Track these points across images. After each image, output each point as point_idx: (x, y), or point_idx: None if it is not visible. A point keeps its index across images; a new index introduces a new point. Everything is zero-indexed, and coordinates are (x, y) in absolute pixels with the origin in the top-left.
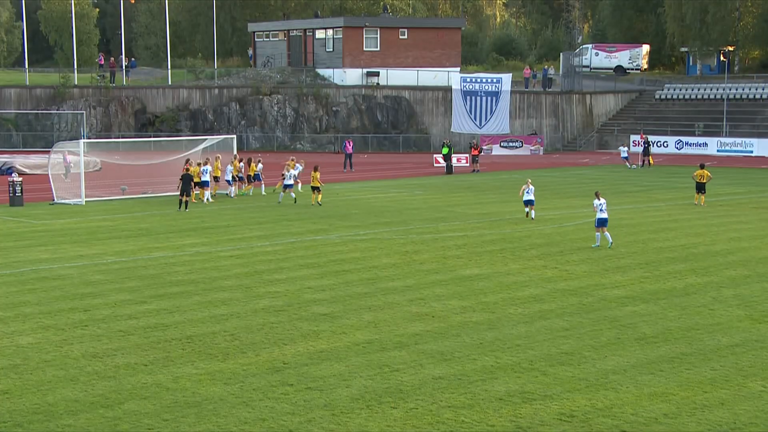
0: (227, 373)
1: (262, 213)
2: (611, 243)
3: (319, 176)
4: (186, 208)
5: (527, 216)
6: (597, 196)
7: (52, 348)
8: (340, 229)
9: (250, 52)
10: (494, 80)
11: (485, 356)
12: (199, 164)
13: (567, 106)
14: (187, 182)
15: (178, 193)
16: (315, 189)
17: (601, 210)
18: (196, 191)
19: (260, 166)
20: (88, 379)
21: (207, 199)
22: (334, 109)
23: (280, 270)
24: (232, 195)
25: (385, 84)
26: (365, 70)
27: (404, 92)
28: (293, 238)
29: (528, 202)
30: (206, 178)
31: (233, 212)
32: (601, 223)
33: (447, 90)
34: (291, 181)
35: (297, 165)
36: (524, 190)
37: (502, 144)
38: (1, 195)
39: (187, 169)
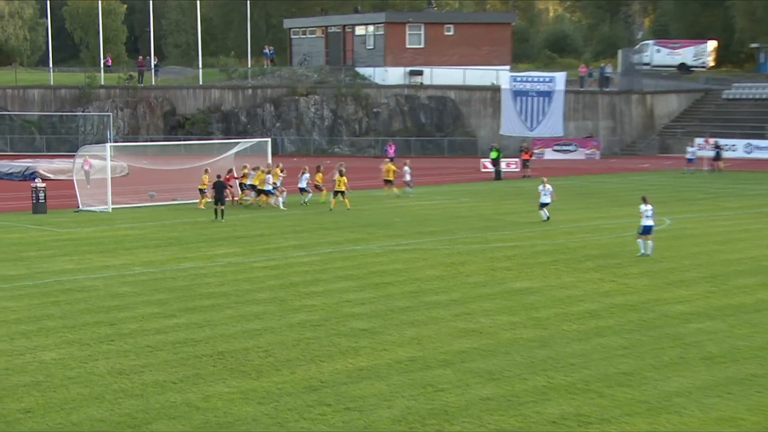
0: (261, 391)
1: (298, 221)
2: (650, 252)
3: (346, 180)
4: (222, 218)
5: (546, 219)
6: (644, 201)
7: (77, 364)
8: (381, 238)
9: (267, 50)
10: (547, 79)
11: (537, 376)
12: (254, 170)
13: (626, 107)
14: (221, 190)
15: (212, 201)
16: (339, 194)
17: (646, 216)
18: (247, 197)
19: (306, 175)
20: (114, 398)
21: (277, 204)
22: (374, 110)
23: (317, 282)
24: (282, 205)
25: (430, 83)
26: (408, 69)
27: (450, 92)
28: (331, 248)
29: (543, 204)
30: (268, 186)
31: (268, 220)
32: (646, 230)
33: (496, 90)
34: (304, 184)
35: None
36: (541, 192)
37: (555, 148)
38: (24, 201)
39: (219, 176)
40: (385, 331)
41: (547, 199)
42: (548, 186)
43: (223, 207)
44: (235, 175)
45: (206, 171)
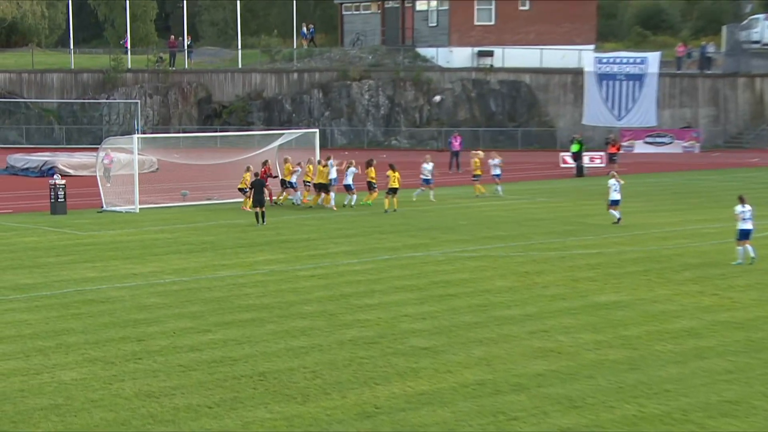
0: (307, 418)
1: (350, 224)
2: (755, 258)
3: (399, 176)
4: (263, 221)
5: (617, 221)
6: (741, 201)
7: (100, 385)
8: (444, 243)
9: (304, 29)
10: (638, 60)
11: (626, 404)
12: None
13: (730, 92)
14: (260, 189)
15: (251, 203)
16: (392, 192)
17: (744, 219)
18: (292, 196)
19: (352, 169)
20: (142, 424)
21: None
22: (437, 98)
23: (372, 293)
24: (297, 202)
25: (501, 66)
26: (476, 50)
27: (524, 76)
28: (387, 254)
29: (614, 203)
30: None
31: (315, 223)
32: (743, 234)
33: (578, 73)
34: (350, 180)
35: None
36: (612, 187)
37: (647, 140)
38: (41, 200)
39: (257, 174)
40: (450, 350)
41: (617, 196)
42: (620, 180)
43: (263, 209)
44: (271, 170)
45: (248, 169)
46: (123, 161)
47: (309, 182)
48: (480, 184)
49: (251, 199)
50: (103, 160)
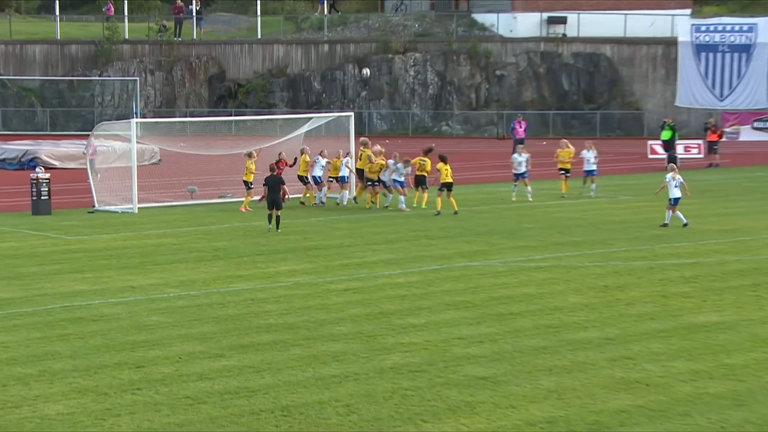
0: None
1: (391, 227)
2: None
3: (451, 171)
4: (277, 228)
5: (683, 224)
6: None
7: (91, 421)
8: (505, 251)
9: None
10: (745, 28)
11: None
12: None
13: None
14: (275, 188)
15: (265, 203)
16: (446, 187)
17: None
18: (319, 192)
19: (401, 165)
20: None
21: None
22: (498, 73)
23: (418, 311)
24: (319, 201)
25: (576, 36)
26: (546, 15)
27: (604, 47)
28: (437, 264)
29: (675, 201)
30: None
31: (349, 226)
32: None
33: (670, 43)
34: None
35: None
36: (668, 183)
37: (756, 124)
38: (22, 198)
39: (272, 168)
40: (512, 380)
41: (678, 193)
42: (678, 176)
43: (278, 212)
44: (288, 162)
45: (251, 155)
46: (119, 151)
47: (332, 178)
48: (566, 182)
49: (266, 199)
50: (87, 151)
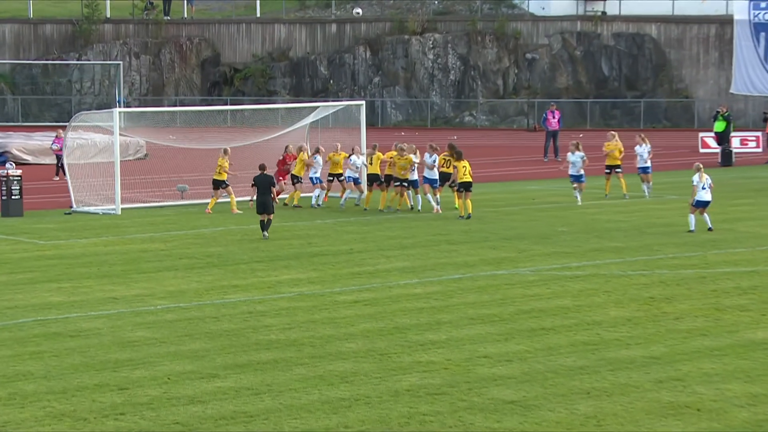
0: None
1: (407, 231)
2: None
3: (468, 167)
4: (265, 232)
5: (708, 229)
6: None
7: None
8: (536, 258)
9: None
10: None
11: None
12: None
13: None
14: (265, 189)
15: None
16: (464, 188)
17: None
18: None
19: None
20: None
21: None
22: (528, 56)
23: (438, 326)
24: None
25: (617, 14)
26: None
27: (649, 27)
28: (459, 272)
29: (702, 204)
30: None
31: (359, 229)
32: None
33: (725, 22)
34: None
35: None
36: (698, 185)
37: None
38: None
39: (262, 167)
40: (545, 404)
41: (707, 196)
42: (705, 177)
43: (270, 216)
44: (295, 156)
45: (225, 152)
46: (99, 145)
47: (333, 176)
48: (610, 180)
49: (255, 201)
50: (53, 145)
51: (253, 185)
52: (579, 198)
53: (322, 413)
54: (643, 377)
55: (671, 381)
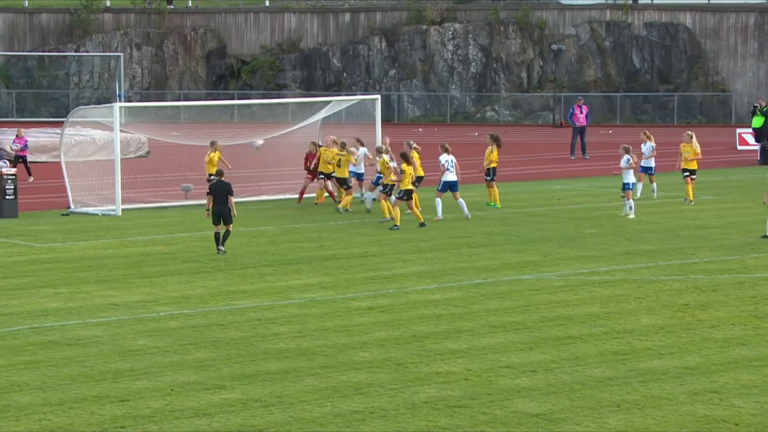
0: None
1: (425, 233)
2: None
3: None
4: (221, 246)
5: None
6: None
7: None
8: (562, 262)
9: None
10: None
11: None
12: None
13: None
14: (220, 195)
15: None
16: (491, 176)
17: None
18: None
19: (451, 158)
20: None
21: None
22: (554, 48)
23: (458, 334)
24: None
25: (648, 2)
26: None
27: (683, 16)
28: (480, 277)
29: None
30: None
31: (374, 232)
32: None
33: (765, 11)
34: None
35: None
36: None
37: None
38: None
39: (219, 174)
40: (572, 417)
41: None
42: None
43: (228, 227)
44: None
45: (213, 144)
46: (99, 142)
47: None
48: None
49: (210, 210)
50: (13, 144)
51: (208, 193)
52: (629, 207)
53: (334, 426)
54: (676, 389)
55: (707, 393)
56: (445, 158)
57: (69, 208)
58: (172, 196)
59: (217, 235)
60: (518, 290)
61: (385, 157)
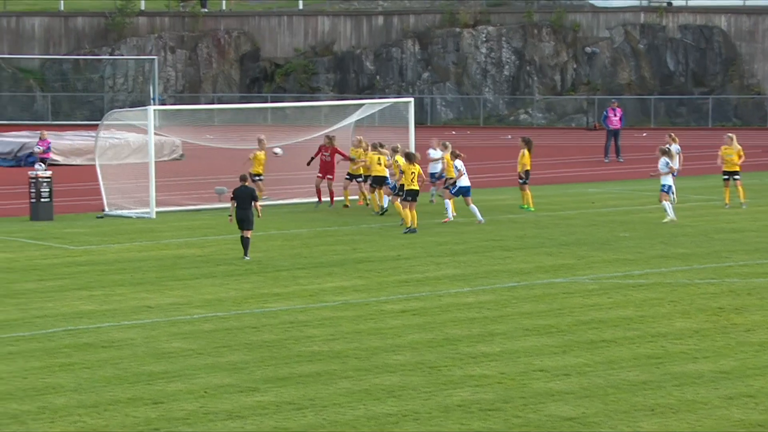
0: None
1: (458, 236)
2: None
3: (527, 158)
4: (245, 253)
5: None
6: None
7: None
8: (596, 265)
9: None
10: None
11: None
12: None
13: None
14: (245, 202)
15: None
16: (525, 179)
17: None
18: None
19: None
20: None
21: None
22: (588, 50)
23: (491, 337)
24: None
25: (683, 5)
26: None
27: (718, 18)
28: (513, 280)
29: None
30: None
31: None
32: None
33: None
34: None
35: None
36: None
37: None
38: (18, 200)
39: (243, 178)
40: (605, 421)
41: None
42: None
43: (248, 233)
44: (341, 151)
45: (260, 142)
46: (133, 145)
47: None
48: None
49: (233, 216)
50: (36, 146)
51: (232, 198)
52: (669, 211)
53: (367, 430)
54: (711, 393)
55: (742, 398)
56: (459, 163)
57: (104, 210)
58: (205, 198)
59: (242, 239)
60: (552, 293)
61: (400, 157)
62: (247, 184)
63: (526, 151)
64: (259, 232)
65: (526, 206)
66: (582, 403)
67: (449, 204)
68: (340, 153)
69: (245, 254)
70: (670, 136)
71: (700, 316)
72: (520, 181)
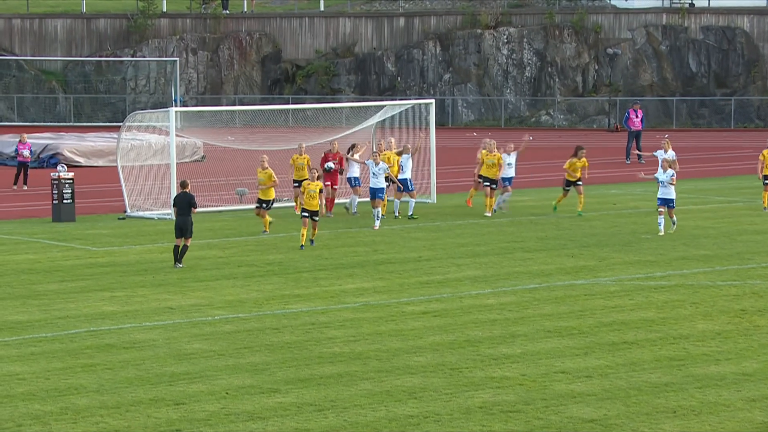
0: None
1: (479, 237)
2: None
3: (586, 164)
4: (178, 261)
5: None
6: None
7: None
8: (618, 267)
9: None
10: None
11: None
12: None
13: None
14: (184, 207)
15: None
16: (573, 185)
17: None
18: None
19: (513, 157)
20: None
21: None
22: (609, 51)
23: (512, 339)
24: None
25: (705, 6)
26: None
27: (740, 20)
28: (535, 282)
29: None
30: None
31: (427, 236)
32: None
33: None
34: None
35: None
36: None
37: None
38: (41, 201)
39: (184, 184)
40: (627, 423)
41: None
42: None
43: (186, 241)
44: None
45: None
46: (155, 146)
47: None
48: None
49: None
50: (22, 151)
51: (174, 206)
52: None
53: (389, 431)
54: (733, 395)
55: (765, 400)
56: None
57: (125, 212)
58: (227, 200)
59: (176, 248)
60: (573, 295)
61: (390, 153)
62: (186, 190)
63: (576, 159)
64: (279, 234)
65: (580, 212)
66: (603, 405)
67: (397, 202)
68: (341, 161)
69: (178, 262)
70: (666, 142)
71: (722, 318)
72: (568, 187)
